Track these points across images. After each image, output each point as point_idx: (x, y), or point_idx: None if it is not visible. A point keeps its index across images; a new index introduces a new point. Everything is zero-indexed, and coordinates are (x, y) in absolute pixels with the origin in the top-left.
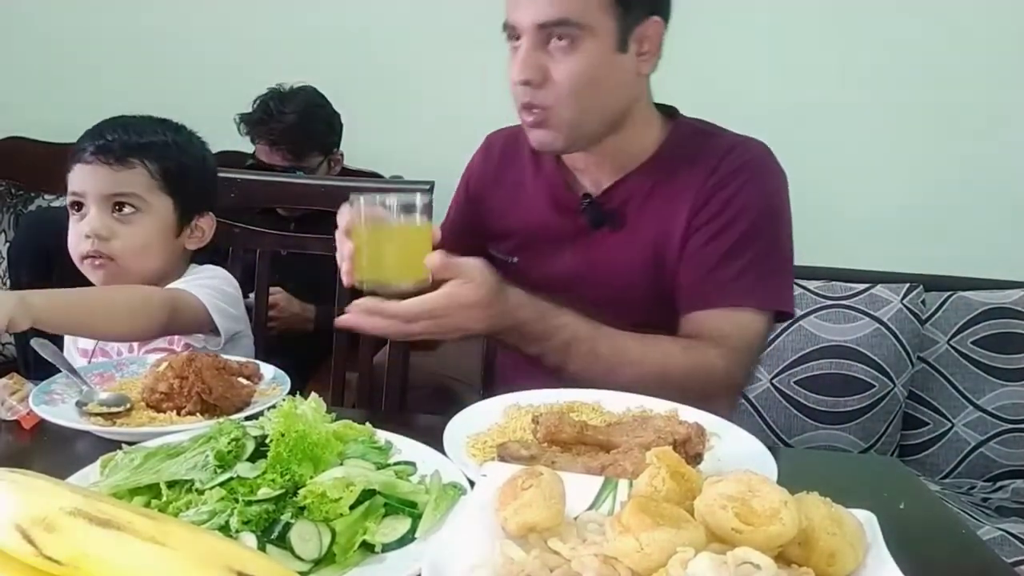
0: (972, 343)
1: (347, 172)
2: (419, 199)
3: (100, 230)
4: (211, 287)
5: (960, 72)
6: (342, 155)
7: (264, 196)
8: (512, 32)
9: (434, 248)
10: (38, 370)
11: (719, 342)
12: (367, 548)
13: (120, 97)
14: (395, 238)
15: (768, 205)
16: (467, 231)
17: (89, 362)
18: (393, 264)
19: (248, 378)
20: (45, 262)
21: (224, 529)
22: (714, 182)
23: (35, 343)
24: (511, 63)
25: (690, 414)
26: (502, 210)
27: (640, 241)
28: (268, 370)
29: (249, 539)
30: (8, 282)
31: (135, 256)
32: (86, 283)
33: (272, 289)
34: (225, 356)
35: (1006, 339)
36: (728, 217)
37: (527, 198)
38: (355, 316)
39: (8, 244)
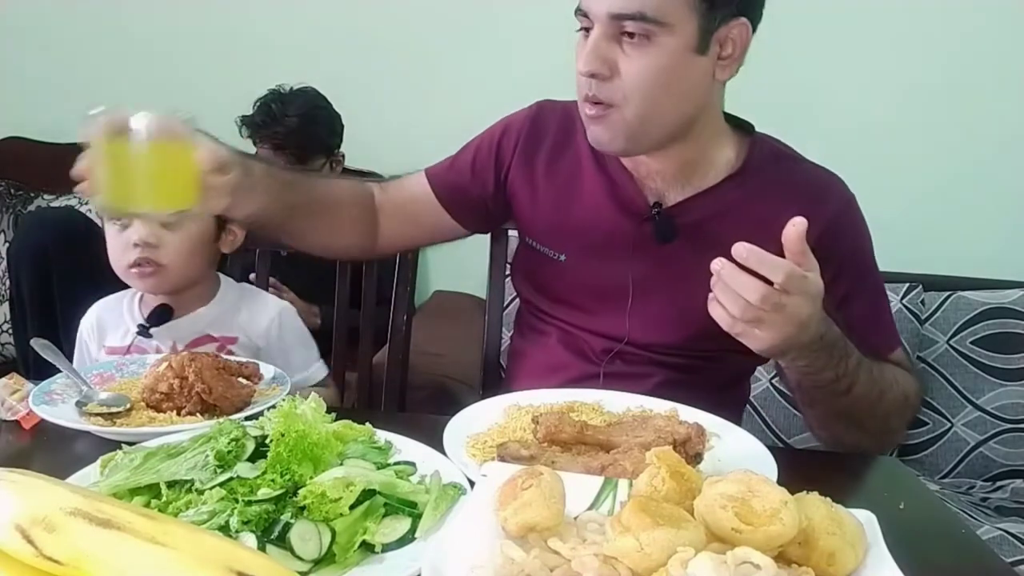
0: (971, 343)
1: (347, 172)
2: (177, 118)
3: (148, 238)
4: (311, 348)
5: (960, 72)
6: (343, 156)
7: None
8: (584, 18)
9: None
10: (38, 370)
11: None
12: (367, 548)
13: (120, 98)
14: (151, 156)
15: (870, 242)
16: (479, 192)
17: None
18: (149, 186)
19: (248, 378)
20: (45, 262)
21: (224, 529)
22: (824, 230)
23: (35, 343)
24: (579, 49)
25: (690, 414)
26: (551, 201)
27: (707, 262)
28: (268, 370)
29: (249, 539)
30: (8, 282)
31: (183, 262)
32: (84, 285)
33: (274, 281)
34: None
35: (1005, 339)
36: (857, 270)
37: (585, 194)
38: (727, 267)
39: (8, 244)
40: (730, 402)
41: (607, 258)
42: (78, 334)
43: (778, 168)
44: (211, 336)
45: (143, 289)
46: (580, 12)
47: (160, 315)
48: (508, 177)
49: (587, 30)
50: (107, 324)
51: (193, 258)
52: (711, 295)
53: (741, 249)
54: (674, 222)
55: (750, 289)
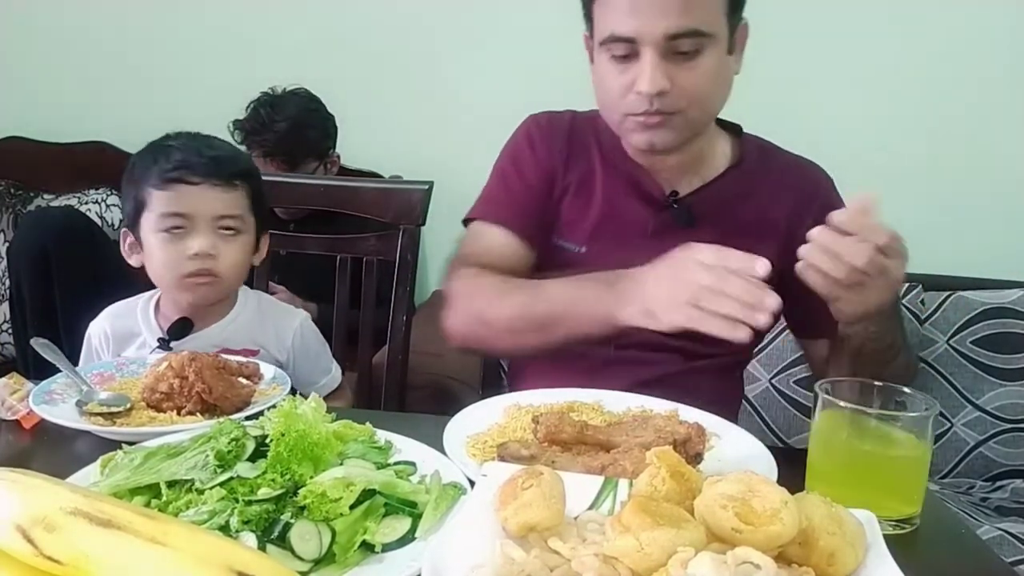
0: (971, 343)
1: (345, 172)
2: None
3: (209, 249)
4: (327, 358)
5: (960, 72)
6: (338, 157)
7: None
8: (624, 43)
9: None
10: (38, 370)
11: None
12: (367, 548)
13: (119, 98)
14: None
15: None
16: (538, 224)
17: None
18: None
19: (248, 378)
20: (44, 262)
21: (224, 529)
22: (816, 218)
23: (35, 343)
24: (617, 73)
25: (690, 414)
26: (570, 199)
27: (725, 245)
28: (268, 370)
29: (249, 539)
30: (8, 282)
31: (234, 273)
32: (84, 285)
33: (273, 287)
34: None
35: (1005, 339)
36: None
37: (602, 190)
38: (826, 232)
39: (8, 244)
40: (729, 390)
41: (626, 246)
42: (86, 339)
43: (768, 160)
44: (229, 350)
45: (195, 300)
46: (618, 39)
47: (181, 328)
48: (548, 199)
49: (623, 56)
50: (123, 334)
51: (242, 270)
52: (802, 263)
53: (841, 215)
54: (691, 209)
55: (857, 253)
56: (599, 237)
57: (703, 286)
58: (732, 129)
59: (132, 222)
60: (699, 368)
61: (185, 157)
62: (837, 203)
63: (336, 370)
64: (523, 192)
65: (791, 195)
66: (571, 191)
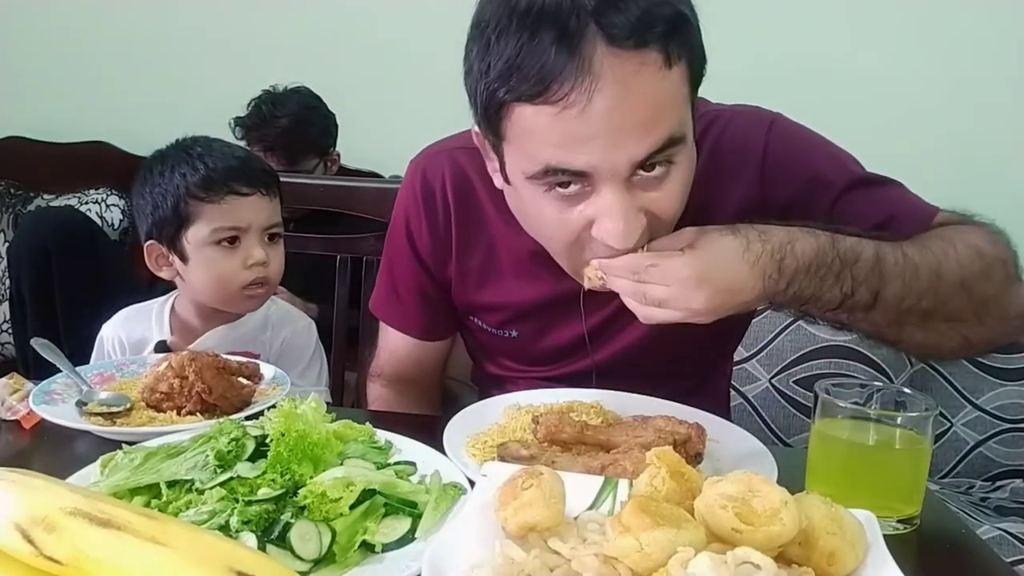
0: None
1: (345, 171)
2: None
3: (263, 258)
4: (315, 371)
5: (961, 71)
6: (338, 155)
7: None
8: (570, 175)
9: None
10: (38, 370)
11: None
12: (367, 548)
13: (119, 98)
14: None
15: (822, 144)
16: (444, 316)
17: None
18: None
19: (248, 378)
20: (45, 262)
21: (224, 529)
22: (763, 178)
23: (35, 343)
24: (556, 206)
25: (690, 414)
26: (476, 279)
27: None
28: (268, 370)
29: (249, 539)
30: (8, 282)
31: (279, 278)
32: (84, 284)
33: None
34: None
35: None
36: (830, 180)
37: (509, 265)
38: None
39: (8, 244)
40: (717, 382)
41: (561, 321)
42: (98, 341)
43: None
44: (233, 353)
45: (252, 308)
46: (561, 171)
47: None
48: (440, 269)
49: (570, 193)
50: (138, 340)
51: (282, 271)
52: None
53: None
54: None
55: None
56: (527, 320)
57: None
58: None
59: (170, 236)
60: (675, 386)
61: (226, 167)
62: (783, 147)
63: (320, 391)
64: (413, 299)
65: (726, 177)
66: (475, 277)
